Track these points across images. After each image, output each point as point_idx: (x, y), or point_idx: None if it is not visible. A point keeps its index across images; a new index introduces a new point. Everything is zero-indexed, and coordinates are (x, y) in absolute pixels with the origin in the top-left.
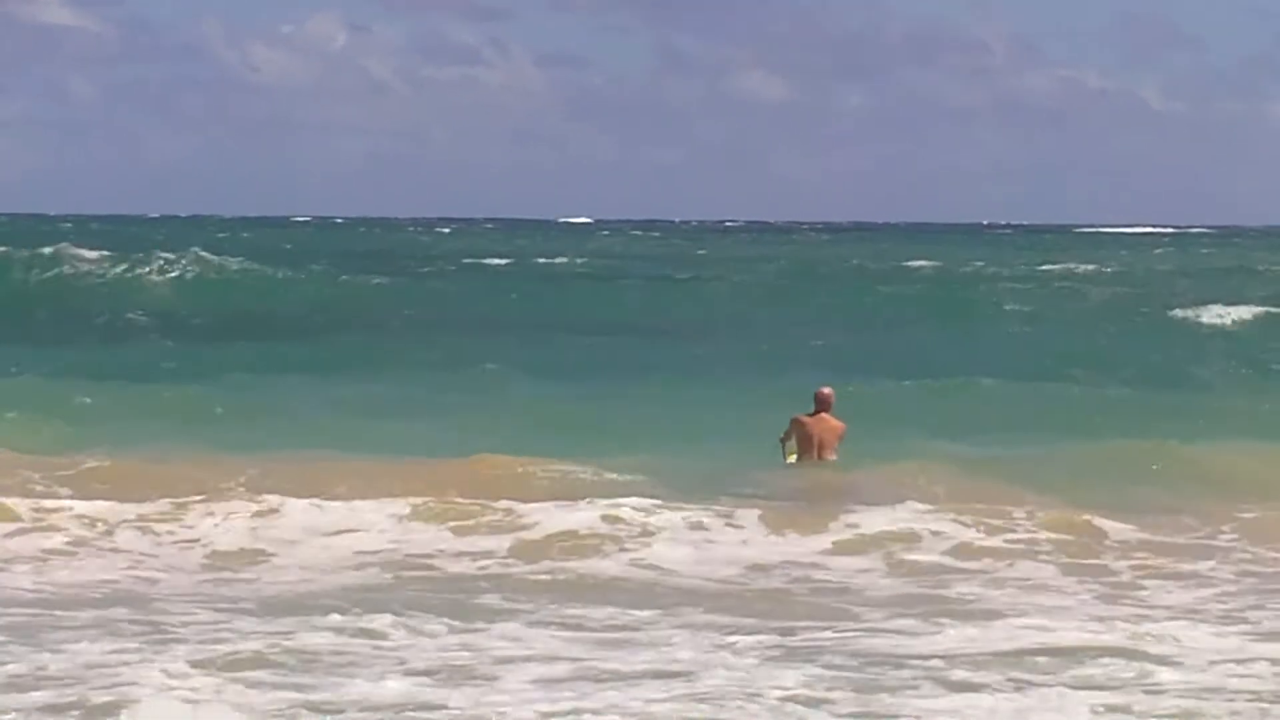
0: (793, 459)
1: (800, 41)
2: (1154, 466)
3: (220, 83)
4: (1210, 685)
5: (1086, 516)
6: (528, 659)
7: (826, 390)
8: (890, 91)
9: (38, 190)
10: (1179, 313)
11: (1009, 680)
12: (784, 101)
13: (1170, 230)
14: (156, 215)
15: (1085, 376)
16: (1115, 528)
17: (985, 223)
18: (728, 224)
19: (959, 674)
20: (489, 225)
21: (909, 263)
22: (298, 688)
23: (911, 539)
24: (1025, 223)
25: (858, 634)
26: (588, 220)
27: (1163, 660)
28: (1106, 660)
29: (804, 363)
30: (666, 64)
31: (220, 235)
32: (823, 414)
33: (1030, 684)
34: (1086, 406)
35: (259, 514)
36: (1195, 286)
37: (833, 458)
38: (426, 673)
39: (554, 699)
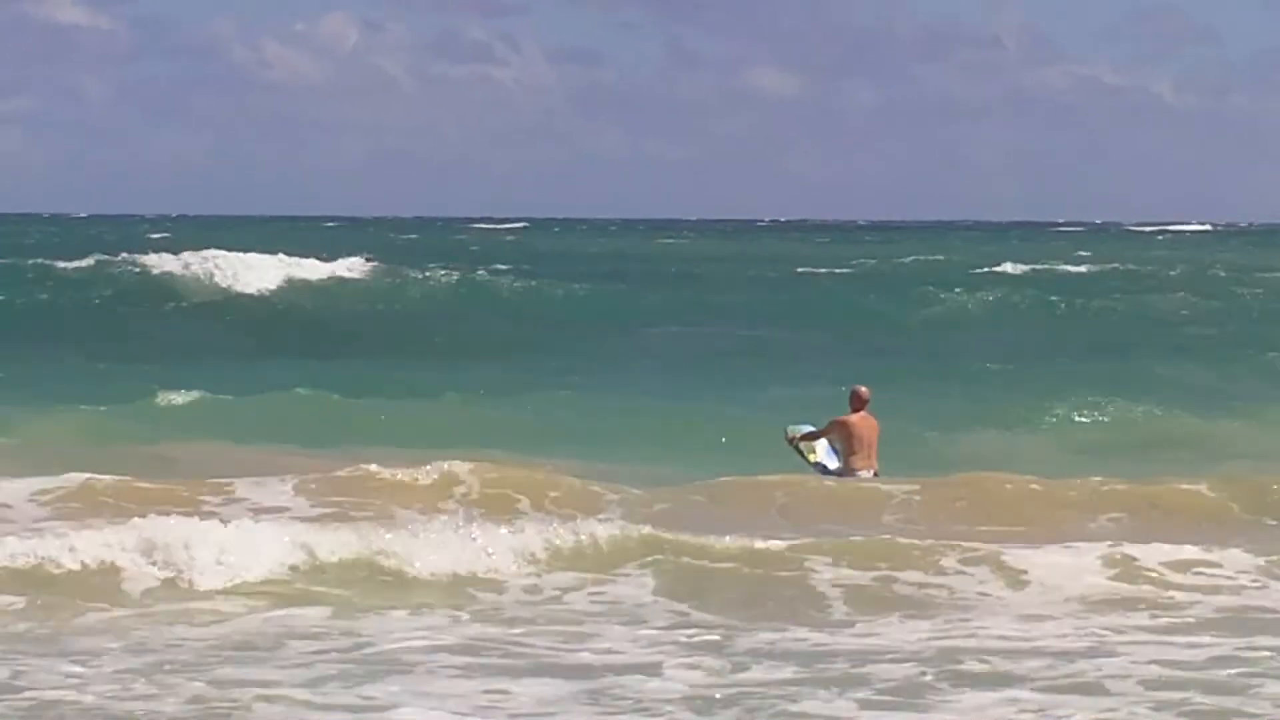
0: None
1: (814, 36)
2: None
3: (233, 81)
4: None
5: None
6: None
7: (864, 389)
8: (903, 87)
9: (50, 189)
10: None
11: None
12: (797, 97)
13: (1196, 228)
14: (174, 215)
15: None
16: None
17: (999, 220)
18: (758, 223)
19: None
20: (523, 225)
21: (996, 267)
22: None
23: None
24: (1043, 219)
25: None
26: (605, 217)
27: None
28: None
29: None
30: (677, 59)
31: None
32: (863, 412)
33: None
34: None
35: None
36: None
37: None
38: None
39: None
